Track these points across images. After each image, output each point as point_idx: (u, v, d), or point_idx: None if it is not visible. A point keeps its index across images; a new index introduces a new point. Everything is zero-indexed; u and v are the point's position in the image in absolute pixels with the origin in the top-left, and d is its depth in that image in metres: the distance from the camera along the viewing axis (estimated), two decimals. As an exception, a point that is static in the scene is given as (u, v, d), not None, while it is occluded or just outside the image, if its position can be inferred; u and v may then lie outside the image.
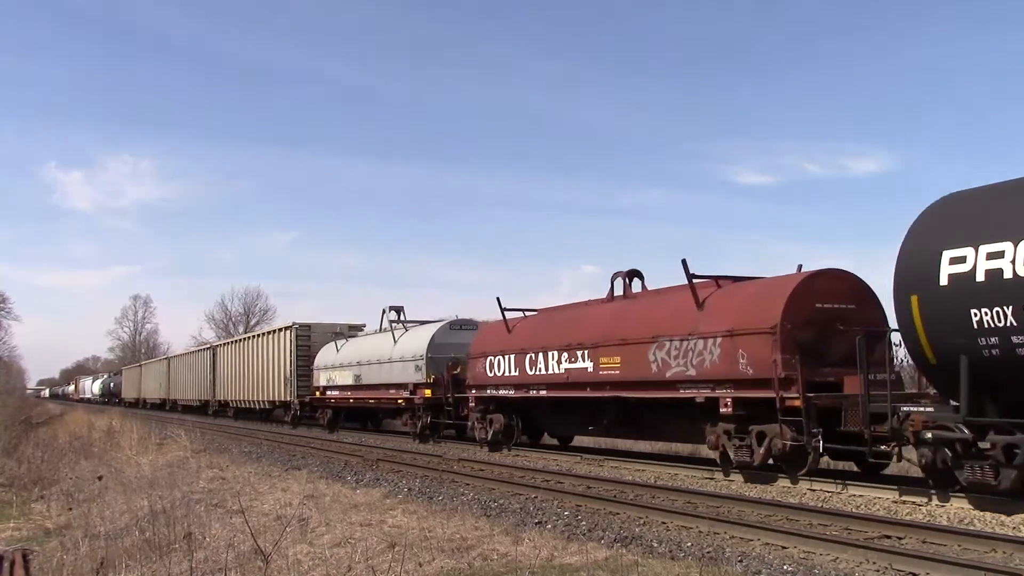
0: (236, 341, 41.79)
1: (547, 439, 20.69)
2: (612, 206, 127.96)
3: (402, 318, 26.07)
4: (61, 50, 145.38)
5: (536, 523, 10.25)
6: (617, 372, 15.36)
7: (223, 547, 9.37)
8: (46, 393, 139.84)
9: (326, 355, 29.68)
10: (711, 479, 13.58)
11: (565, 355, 16.83)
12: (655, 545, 8.75)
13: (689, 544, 8.71)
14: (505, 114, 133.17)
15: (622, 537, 9.17)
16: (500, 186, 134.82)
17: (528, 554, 8.29)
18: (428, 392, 22.28)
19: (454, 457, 18.11)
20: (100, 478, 17.46)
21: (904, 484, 11.27)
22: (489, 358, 19.63)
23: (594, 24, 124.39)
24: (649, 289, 16.83)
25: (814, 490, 11.76)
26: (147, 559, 9.53)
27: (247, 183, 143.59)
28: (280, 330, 34.34)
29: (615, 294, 17.09)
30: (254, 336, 38.55)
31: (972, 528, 9.02)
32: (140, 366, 72.58)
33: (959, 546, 8.05)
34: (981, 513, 9.70)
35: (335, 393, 28.49)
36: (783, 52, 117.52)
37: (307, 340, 31.95)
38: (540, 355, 17.71)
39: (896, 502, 10.64)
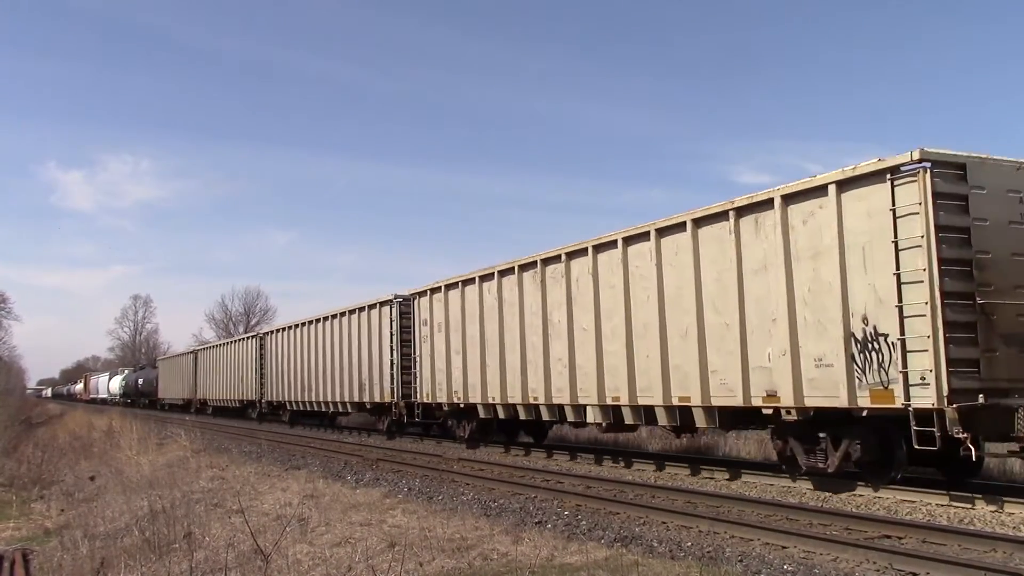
0: (507, 270, 17.62)
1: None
2: (613, 205, 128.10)
3: None
4: (61, 50, 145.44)
5: (536, 523, 10.24)
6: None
7: (223, 547, 9.37)
8: (48, 393, 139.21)
9: None
10: (711, 479, 13.57)
11: None
12: (655, 545, 8.73)
13: (689, 544, 8.70)
14: (504, 113, 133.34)
15: (622, 537, 9.16)
16: (500, 185, 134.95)
17: (528, 554, 8.28)
18: None
19: (454, 456, 18.09)
20: (92, 478, 17.41)
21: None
22: None
23: (594, 24, 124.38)
24: None
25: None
26: (147, 559, 9.52)
27: (247, 183, 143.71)
28: (757, 205, 11.84)
29: None
30: (610, 241, 14.64)
31: (972, 528, 9.01)
32: (194, 352, 48.87)
33: (959, 546, 8.03)
34: (981, 513, 9.71)
35: None
36: (784, 52, 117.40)
37: (965, 199, 9.94)
38: None
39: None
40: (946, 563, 7.21)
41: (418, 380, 21.37)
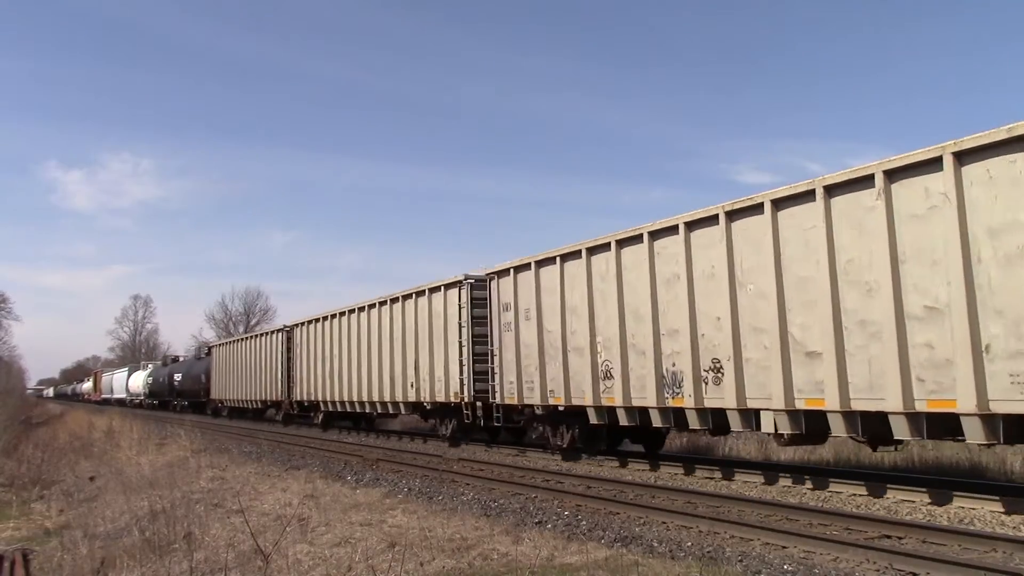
0: None
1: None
2: (613, 205, 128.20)
3: None
4: (61, 49, 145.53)
5: (536, 523, 10.25)
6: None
7: (223, 547, 9.38)
8: (49, 392, 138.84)
9: None
10: (711, 479, 13.56)
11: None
12: (655, 545, 8.74)
13: (689, 544, 8.71)
14: (506, 114, 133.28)
15: (622, 537, 9.16)
16: (501, 185, 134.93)
17: (528, 554, 8.28)
18: None
19: (454, 456, 18.09)
20: (92, 478, 17.42)
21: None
22: None
23: (596, 24, 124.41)
24: None
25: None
26: (147, 559, 9.53)
27: (247, 183, 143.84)
28: None
29: None
30: None
31: (972, 528, 9.01)
32: (286, 331, 31.43)
33: (959, 546, 8.04)
34: (981, 513, 9.71)
35: None
36: (784, 52, 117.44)
37: None
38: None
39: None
40: (946, 563, 7.21)
41: None
